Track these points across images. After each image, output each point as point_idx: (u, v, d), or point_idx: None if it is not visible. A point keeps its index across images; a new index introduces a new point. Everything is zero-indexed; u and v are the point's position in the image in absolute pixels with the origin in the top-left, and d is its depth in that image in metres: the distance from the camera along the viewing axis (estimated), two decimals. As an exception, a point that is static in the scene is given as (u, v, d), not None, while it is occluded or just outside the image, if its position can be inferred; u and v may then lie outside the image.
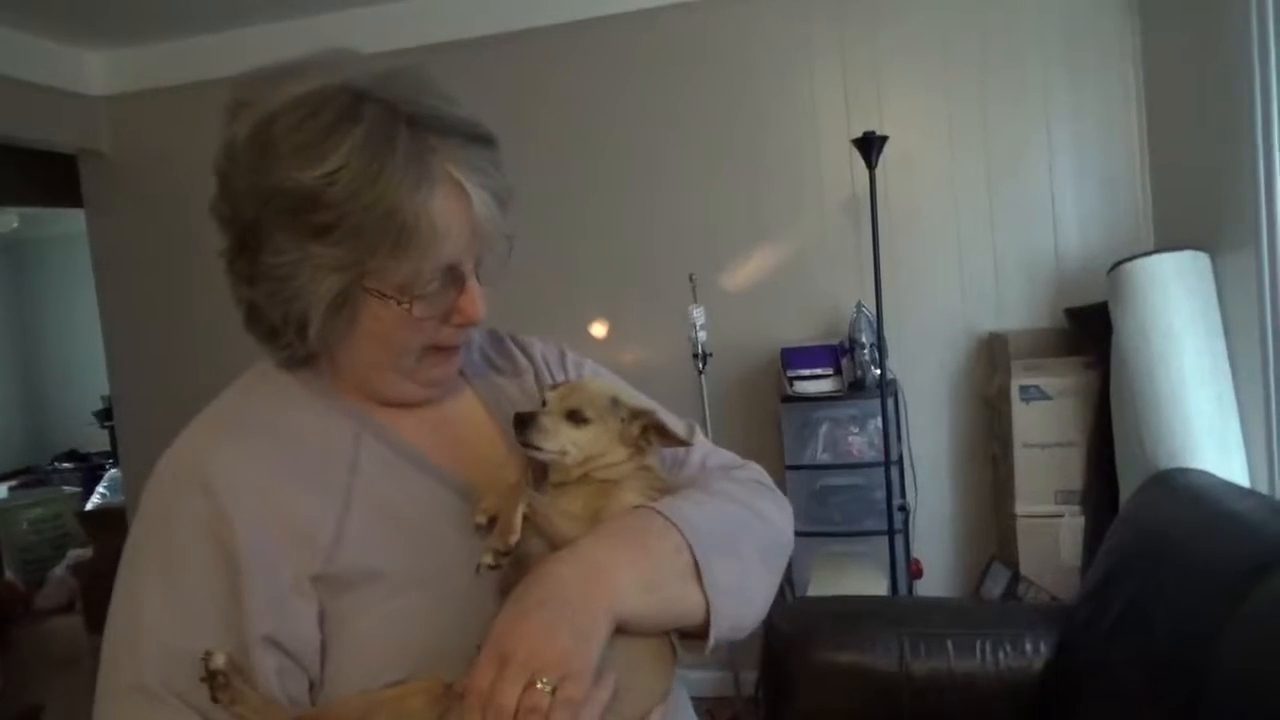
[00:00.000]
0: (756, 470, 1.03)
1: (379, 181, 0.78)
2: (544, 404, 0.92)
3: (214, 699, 0.73)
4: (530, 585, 0.75)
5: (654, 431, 0.92)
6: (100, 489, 6.42)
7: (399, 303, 0.82)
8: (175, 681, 0.74)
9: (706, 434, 2.96)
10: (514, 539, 0.77)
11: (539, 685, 0.68)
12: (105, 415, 7.22)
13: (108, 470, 6.97)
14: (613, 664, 0.76)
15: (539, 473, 0.94)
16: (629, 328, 3.63)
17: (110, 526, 4.94)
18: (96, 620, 4.99)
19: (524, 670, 0.69)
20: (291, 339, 0.85)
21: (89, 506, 6.09)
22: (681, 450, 1.00)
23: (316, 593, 0.79)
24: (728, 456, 1.05)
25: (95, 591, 5.14)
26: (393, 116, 0.80)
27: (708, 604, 0.81)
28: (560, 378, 1.06)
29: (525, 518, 0.79)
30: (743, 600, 0.85)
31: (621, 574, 0.77)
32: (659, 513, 0.83)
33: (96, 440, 7.91)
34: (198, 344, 3.89)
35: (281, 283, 0.81)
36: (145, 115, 3.93)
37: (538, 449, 0.88)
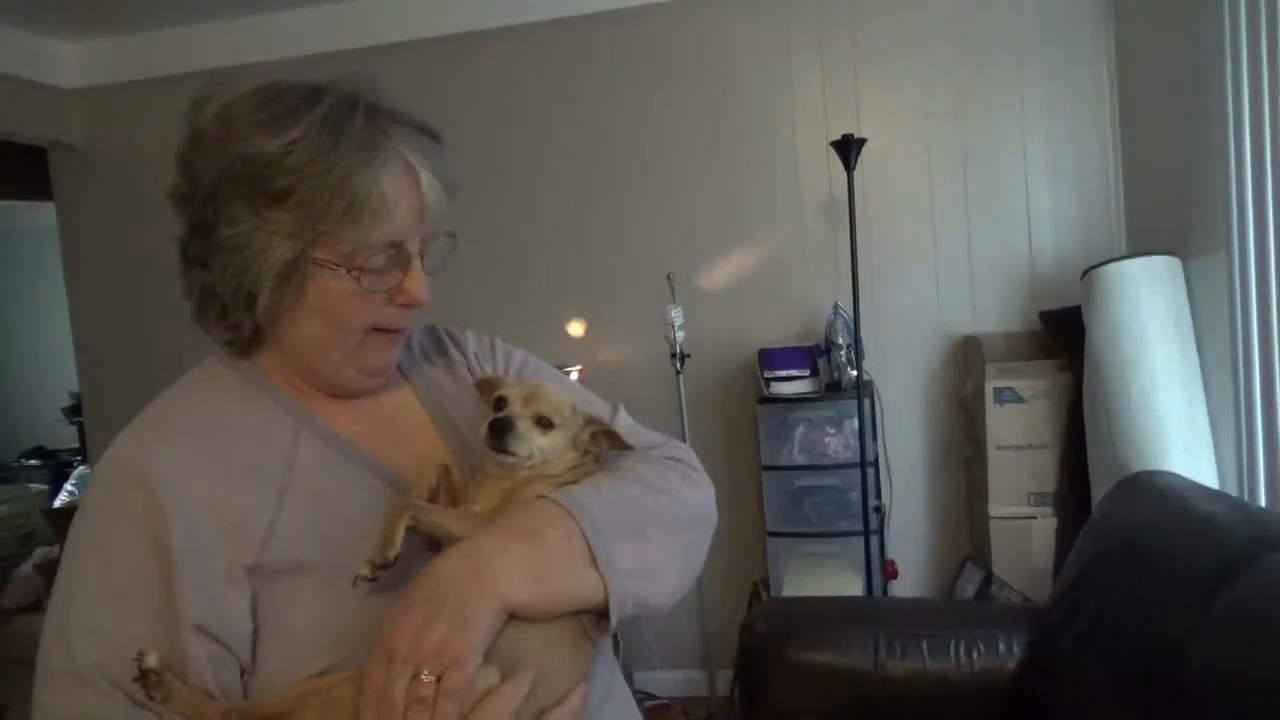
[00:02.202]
0: (675, 448, 1.05)
1: (335, 151, 0.84)
2: (500, 403, 0.94)
3: (149, 697, 0.76)
4: (418, 582, 0.78)
5: (604, 437, 0.96)
6: (68, 487, 6.33)
7: (348, 271, 0.86)
8: (106, 666, 0.78)
9: (684, 434, 2.99)
10: (392, 553, 0.81)
11: (423, 677, 0.72)
12: (74, 411, 7.12)
13: (76, 468, 6.87)
14: (527, 652, 0.80)
15: (472, 463, 0.97)
16: (607, 327, 3.63)
17: (78, 524, 4.88)
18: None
19: (408, 665, 0.72)
20: (240, 316, 0.89)
21: (56, 504, 6.00)
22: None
23: (250, 582, 0.82)
24: (649, 438, 1.07)
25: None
26: (351, 103, 0.87)
27: (606, 587, 0.83)
28: (489, 368, 1.09)
29: (410, 529, 0.82)
30: (647, 579, 0.87)
31: (507, 564, 0.79)
32: (553, 501, 0.85)
33: (64, 437, 7.80)
34: (168, 340, 3.82)
35: (235, 253, 0.86)
36: (117, 108, 3.88)
37: (512, 455, 0.91)
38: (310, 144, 0.83)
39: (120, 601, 0.79)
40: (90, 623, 0.79)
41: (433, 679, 0.72)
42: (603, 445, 0.96)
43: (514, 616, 0.79)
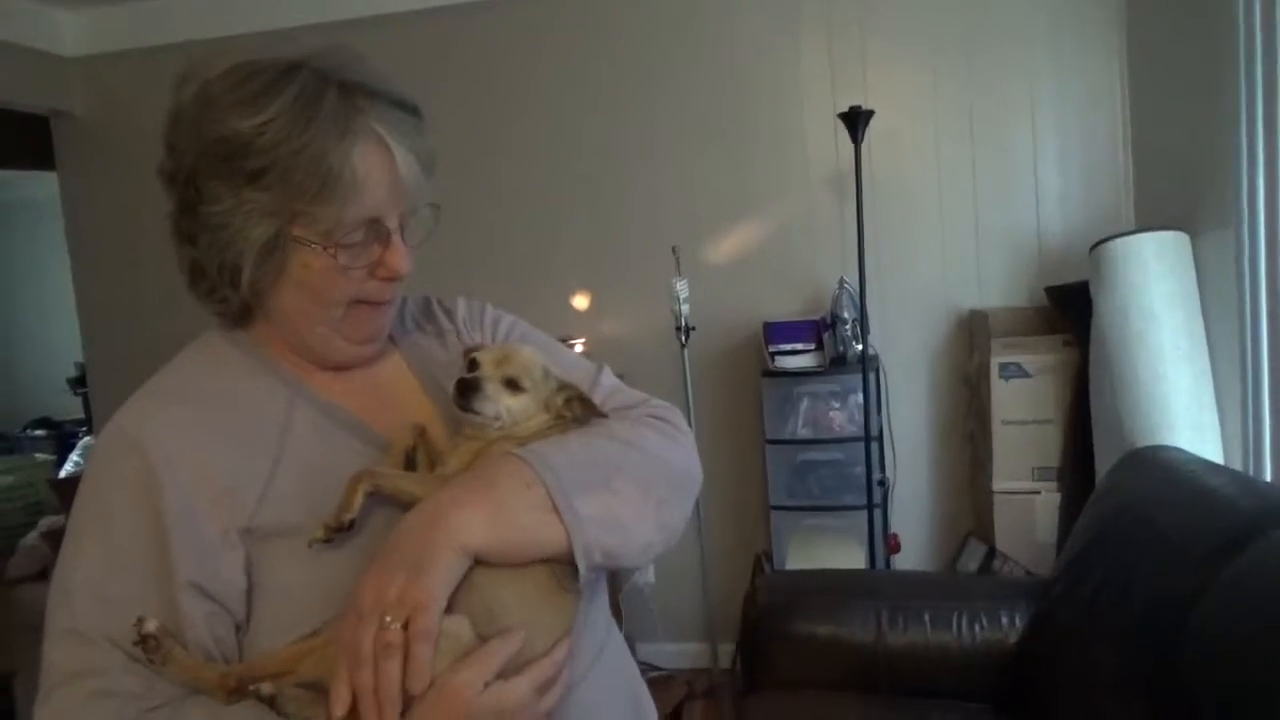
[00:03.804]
0: (655, 406, 1.05)
1: (308, 130, 0.84)
2: (473, 365, 0.96)
3: (148, 661, 0.79)
4: (384, 540, 0.81)
5: (578, 402, 0.97)
6: (74, 457, 6.36)
7: (325, 248, 0.88)
8: (105, 625, 0.81)
9: (688, 406, 2.99)
10: (348, 516, 0.84)
11: (387, 623, 0.75)
12: (78, 382, 7.15)
13: (81, 438, 6.90)
14: (500, 603, 0.82)
15: (455, 427, 0.99)
16: (612, 300, 3.62)
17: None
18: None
19: (373, 615, 0.75)
20: (227, 291, 0.91)
21: (62, 474, 6.02)
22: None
23: (244, 544, 0.85)
24: (631, 396, 1.08)
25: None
26: (324, 80, 0.88)
27: (568, 534, 0.84)
28: (479, 336, 1.11)
29: (372, 494, 0.86)
30: (614, 530, 0.88)
31: (464, 511, 0.81)
32: (514, 454, 0.87)
33: (69, 408, 7.83)
34: (171, 310, 3.82)
35: (217, 231, 0.87)
36: (118, 76, 3.85)
37: (477, 414, 0.93)
38: (283, 124, 0.84)
39: (118, 563, 0.83)
40: (90, 584, 0.82)
41: (398, 625, 0.75)
42: (576, 411, 0.97)
43: (480, 563, 0.81)
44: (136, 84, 3.77)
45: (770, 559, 3.32)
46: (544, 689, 0.83)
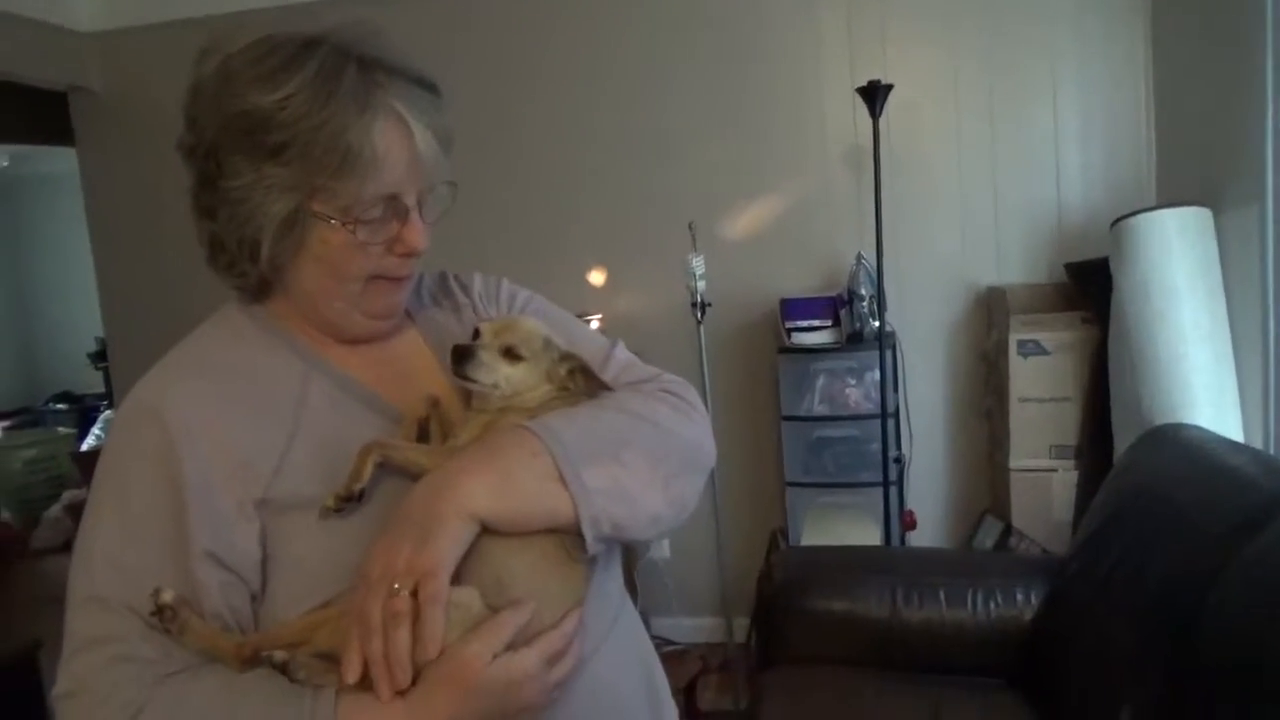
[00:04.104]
0: (669, 381, 1.05)
1: (327, 106, 0.85)
2: (476, 335, 0.97)
3: (165, 630, 0.81)
4: (393, 511, 0.83)
5: (580, 374, 0.97)
6: (95, 430, 6.43)
7: (344, 224, 0.88)
8: (124, 592, 0.82)
9: (704, 383, 2.99)
10: (358, 486, 0.85)
11: (396, 590, 0.76)
12: (99, 357, 7.21)
13: (102, 412, 6.97)
14: (510, 573, 0.83)
15: (468, 400, 1.00)
16: (628, 276, 3.61)
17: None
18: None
19: (381, 583, 0.77)
20: (246, 265, 0.92)
21: (84, 447, 6.09)
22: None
23: (259, 515, 0.86)
24: (644, 371, 1.08)
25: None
26: (344, 56, 0.88)
27: (575, 503, 0.84)
28: (494, 311, 1.11)
29: (382, 465, 0.87)
30: (622, 501, 0.88)
31: (469, 479, 0.82)
32: (521, 425, 0.88)
33: (90, 382, 7.90)
34: (191, 283, 3.85)
35: (237, 205, 0.88)
36: (136, 52, 3.86)
37: (473, 381, 0.94)
38: (304, 99, 0.85)
39: (136, 532, 0.84)
40: (109, 552, 0.84)
41: (407, 593, 0.76)
42: (580, 382, 0.97)
43: (488, 533, 0.82)
44: (154, 59, 3.76)
45: (786, 535, 3.33)
46: (554, 660, 0.84)
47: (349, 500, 0.85)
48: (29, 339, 8.84)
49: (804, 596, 2.41)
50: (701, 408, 1.04)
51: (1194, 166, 2.86)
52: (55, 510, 5.74)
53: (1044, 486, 3.08)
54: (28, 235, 8.66)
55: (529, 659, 0.81)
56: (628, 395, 0.99)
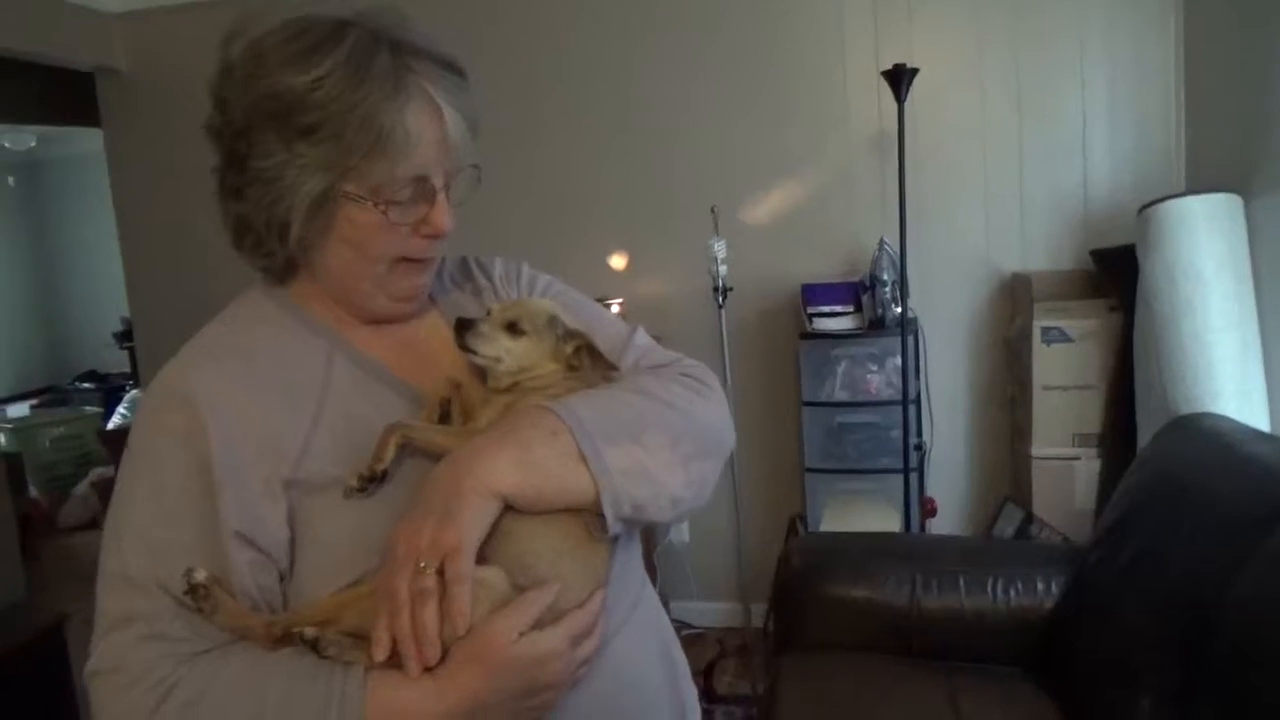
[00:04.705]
0: (689, 365, 1.06)
1: (360, 88, 0.86)
2: (488, 313, 0.99)
3: (198, 610, 0.81)
4: (417, 491, 0.84)
5: (586, 352, 0.98)
6: (121, 410, 6.50)
7: (375, 204, 0.89)
8: (155, 571, 0.83)
9: (724, 368, 2.98)
10: (380, 466, 0.87)
11: (422, 568, 0.77)
12: (125, 336, 7.29)
13: (128, 391, 7.05)
14: (534, 554, 0.84)
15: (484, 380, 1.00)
16: (649, 260, 3.61)
17: (131, 446, 5.01)
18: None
19: (407, 562, 0.78)
20: (274, 246, 0.93)
21: (110, 426, 6.16)
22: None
23: (286, 496, 0.87)
24: (663, 356, 1.08)
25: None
26: (375, 39, 0.89)
27: (596, 482, 0.85)
28: (514, 293, 1.12)
29: (404, 446, 0.88)
30: (642, 482, 0.88)
31: (490, 457, 0.83)
32: (541, 405, 0.89)
33: (115, 361, 7.99)
34: (216, 264, 3.87)
35: (268, 185, 0.89)
36: (162, 32, 3.88)
37: (474, 353, 0.96)
38: (336, 80, 0.86)
39: (166, 512, 0.85)
40: (140, 531, 0.85)
41: (432, 570, 0.77)
42: (585, 360, 0.98)
43: (509, 510, 0.83)
44: (181, 39, 3.78)
45: (805, 521, 3.32)
46: (579, 639, 0.85)
47: (372, 480, 0.87)
48: (55, 319, 8.95)
49: (823, 582, 2.41)
50: (721, 392, 1.04)
51: (1224, 152, 2.82)
52: (82, 487, 5.82)
53: (1066, 475, 3.06)
54: (54, 216, 8.75)
55: (555, 637, 0.82)
56: (647, 378, 0.99)
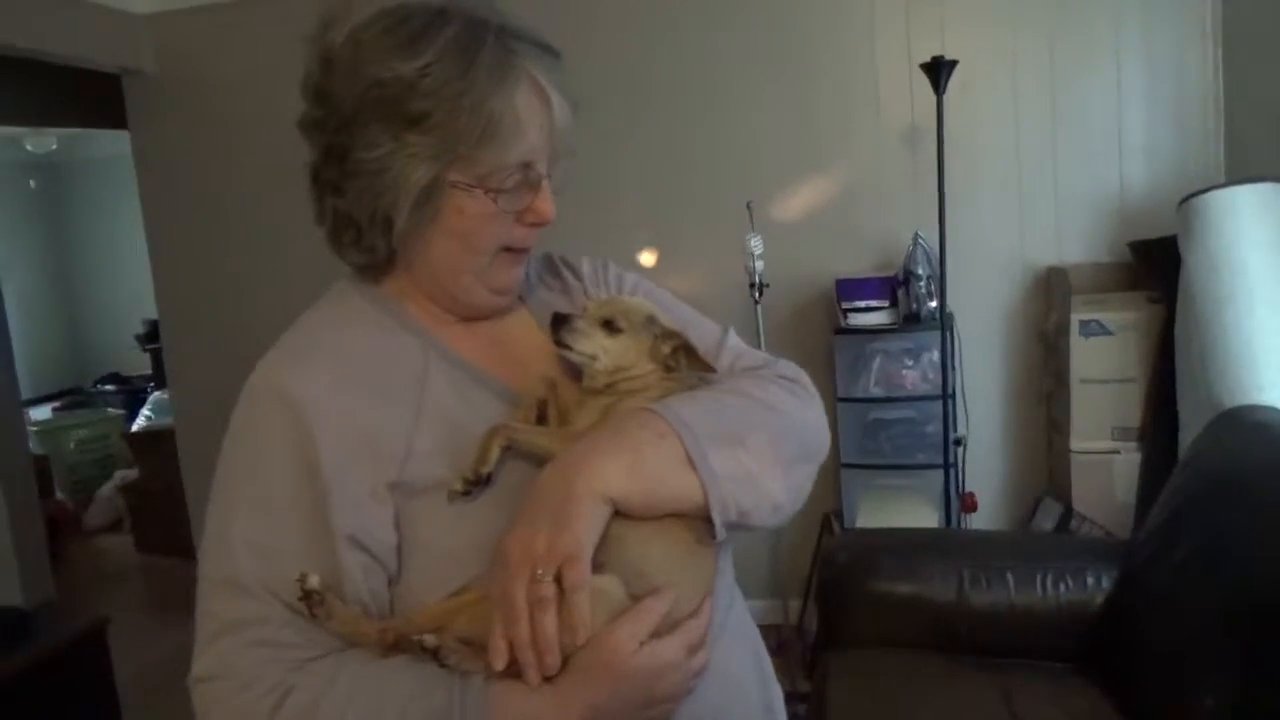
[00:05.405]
0: (784, 366, 1.04)
1: (469, 74, 0.84)
2: (584, 310, 0.97)
3: (311, 615, 0.80)
4: (525, 496, 0.82)
5: (684, 353, 0.95)
6: (145, 411, 6.51)
7: (486, 192, 0.88)
8: (265, 577, 0.81)
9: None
10: (485, 469, 0.85)
11: (539, 577, 0.75)
12: (147, 339, 7.31)
13: (150, 393, 7.06)
14: (649, 561, 0.82)
15: (578, 380, 0.98)
16: (680, 257, 3.58)
17: (157, 448, 5.01)
18: (145, 539, 5.02)
19: (522, 569, 0.76)
20: (375, 239, 0.90)
21: (134, 428, 6.18)
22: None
23: (392, 498, 0.85)
24: (758, 358, 1.07)
25: (143, 511, 5.24)
26: (478, 24, 0.87)
27: (704, 488, 0.83)
28: (603, 292, 1.10)
29: (507, 448, 0.86)
30: (748, 487, 0.87)
31: (600, 460, 0.81)
32: (645, 408, 0.87)
33: (137, 363, 8.02)
34: (244, 265, 3.89)
35: (374, 177, 0.87)
36: (189, 33, 3.86)
37: (569, 349, 0.93)
38: (445, 66, 0.84)
39: (276, 517, 0.83)
40: (248, 537, 0.83)
41: (550, 578, 0.75)
42: (683, 360, 0.95)
43: (619, 516, 0.81)
44: (208, 40, 3.79)
45: (840, 518, 3.31)
46: (694, 649, 0.83)
47: (476, 483, 0.85)
48: (76, 321, 9.00)
49: (869, 578, 2.40)
50: (816, 394, 1.03)
51: (1265, 140, 2.78)
52: (107, 489, 5.84)
53: (1106, 469, 3.03)
54: (75, 218, 8.79)
55: (673, 647, 0.81)
56: (746, 380, 0.98)
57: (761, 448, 0.89)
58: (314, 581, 0.80)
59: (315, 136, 0.90)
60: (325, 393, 0.86)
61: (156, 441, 5.06)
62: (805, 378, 1.03)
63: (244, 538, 0.83)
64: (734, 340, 1.08)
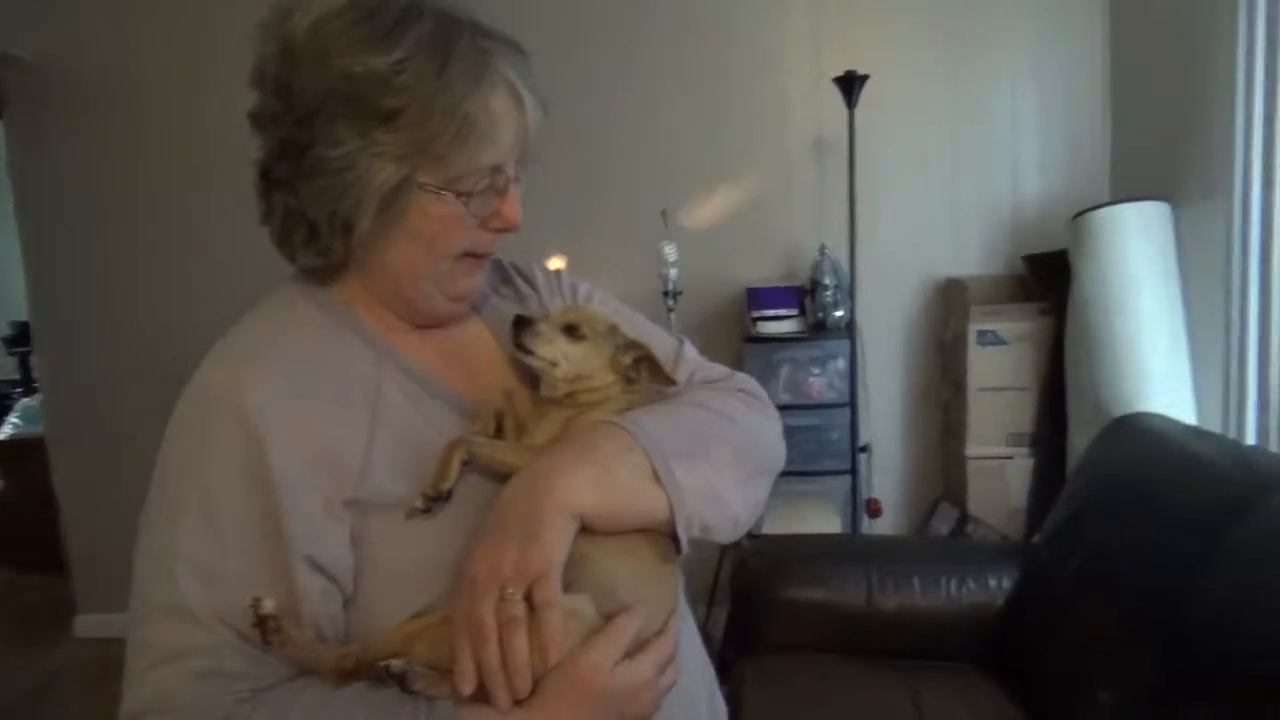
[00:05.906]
0: (743, 380, 1.04)
1: (445, 72, 0.81)
2: (547, 316, 0.95)
3: (266, 642, 0.74)
4: (489, 511, 0.79)
5: (645, 364, 0.94)
6: (12, 419, 6.08)
7: (456, 195, 0.84)
8: (214, 603, 0.76)
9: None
10: (446, 485, 0.81)
11: (509, 596, 0.72)
12: (14, 341, 6.87)
13: (18, 400, 6.62)
14: (616, 579, 0.79)
15: (535, 391, 0.96)
16: (589, 263, 3.55)
17: (25, 457, 4.70)
18: (11, 555, 4.67)
19: (489, 588, 0.72)
20: (332, 241, 0.85)
21: (1, 437, 5.78)
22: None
23: (348, 516, 0.81)
24: (717, 371, 1.06)
25: (8, 525, 4.91)
26: (451, 21, 0.84)
27: (671, 503, 0.81)
28: (558, 300, 1.08)
29: (467, 462, 0.83)
30: (712, 501, 0.86)
31: (567, 474, 0.78)
32: (609, 421, 0.85)
33: (4, 367, 7.52)
34: (127, 265, 3.69)
35: (335, 175, 0.81)
36: (68, 18, 3.63)
37: (530, 353, 0.90)
38: (420, 63, 0.80)
39: (224, 536, 0.78)
40: (194, 559, 0.77)
41: (519, 597, 0.72)
42: (644, 372, 0.93)
43: (585, 533, 0.78)
44: (91, 24, 3.57)
45: (747, 523, 3.33)
46: (663, 667, 0.81)
47: (437, 500, 0.81)
48: (-67, 323, 8.38)
49: (780, 585, 2.42)
50: (774, 407, 1.02)
51: (1152, 160, 2.92)
52: (-33, 502, 5.44)
53: (1000, 473, 3.14)
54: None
55: (646, 666, 0.79)
56: (707, 393, 0.96)
57: (724, 462, 0.88)
58: (269, 606, 0.74)
59: (268, 130, 0.84)
60: (275, 401, 0.80)
61: (26, 451, 4.74)
62: (762, 391, 1.03)
63: (189, 560, 0.77)
64: (691, 352, 1.07)
